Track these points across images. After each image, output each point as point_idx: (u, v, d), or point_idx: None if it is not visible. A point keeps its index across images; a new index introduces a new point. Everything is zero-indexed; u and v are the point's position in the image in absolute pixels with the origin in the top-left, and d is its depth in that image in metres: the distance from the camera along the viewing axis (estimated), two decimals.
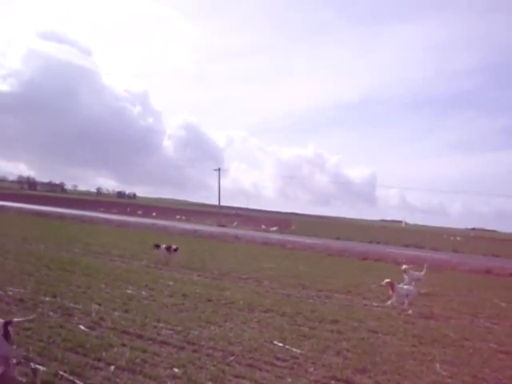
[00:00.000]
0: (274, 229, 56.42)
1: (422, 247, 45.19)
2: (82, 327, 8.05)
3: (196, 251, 22.91)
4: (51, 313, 8.76)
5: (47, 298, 9.68)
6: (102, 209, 72.78)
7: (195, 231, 38.27)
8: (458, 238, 78.49)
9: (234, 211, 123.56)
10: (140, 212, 72.29)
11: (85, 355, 6.71)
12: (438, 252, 40.58)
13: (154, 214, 71.46)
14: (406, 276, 15.39)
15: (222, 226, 55.69)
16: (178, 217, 68.84)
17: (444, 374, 7.37)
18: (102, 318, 8.69)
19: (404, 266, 15.77)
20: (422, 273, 15.93)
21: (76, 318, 8.58)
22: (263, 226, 59.23)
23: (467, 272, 25.02)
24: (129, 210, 75.26)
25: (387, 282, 12.75)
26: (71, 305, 9.44)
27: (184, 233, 36.74)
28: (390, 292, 12.70)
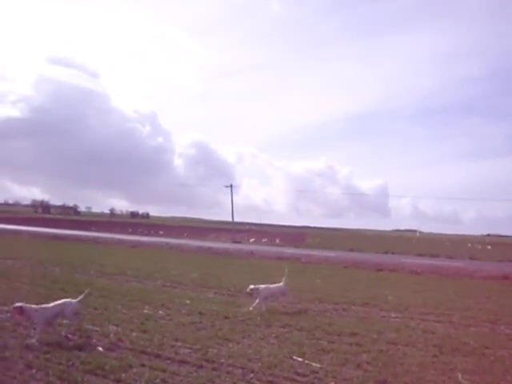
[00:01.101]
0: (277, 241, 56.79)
1: (437, 256, 44.78)
2: (100, 349, 8.07)
3: (211, 268, 22.89)
4: (69, 335, 8.79)
5: (64, 321, 9.69)
6: (115, 230, 73.09)
7: (209, 248, 38.26)
8: (479, 246, 77.10)
9: (247, 226, 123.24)
10: (153, 231, 72.54)
11: (104, 377, 6.73)
12: (454, 260, 40.18)
13: (162, 232, 71.88)
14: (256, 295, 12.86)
15: (237, 242, 55.63)
16: (185, 234, 68.95)
17: (466, 383, 7.28)
18: (120, 339, 8.70)
19: (250, 287, 12.87)
20: (280, 284, 13.43)
21: (94, 340, 8.60)
22: (277, 241, 59.01)
23: (484, 279, 24.69)
24: (142, 230, 75.42)
25: None
26: (89, 327, 9.47)
27: (198, 250, 36.73)
28: None
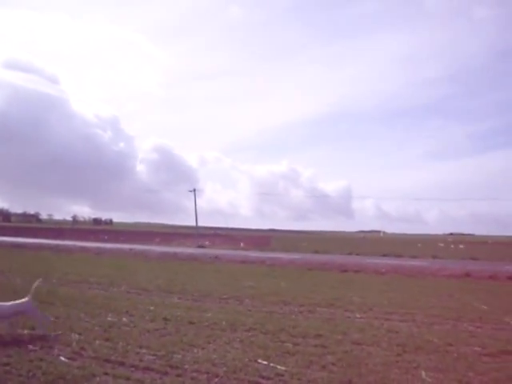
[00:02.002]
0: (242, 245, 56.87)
1: (400, 256, 45.61)
2: (62, 358, 7.91)
3: (176, 274, 22.76)
4: (30, 346, 8.60)
5: (25, 331, 9.48)
6: (78, 237, 71.76)
7: (174, 254, 38.03)
8: (452, 246, 78.28)
9: (212, 231, 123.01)
10: (117, 238, 71.56)
11: None
12: (418, 259, 40.99)
13: (125, 238, 70.99)
14: None
15: (201, 246, 55.43)
16: (150, 240, 68.29)
17: (429, 380, 7.43)
18: (82, 348, 8.56)
19: None
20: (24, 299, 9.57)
21: (56, 350, 8.43)
22: (242, 245, 59.08)
23: (447, 277, 25.33)
24: (106, 237, 74.33)
25: None
26: (51, 336, 9.29)
27: (163, 256, 36.46)
28: None
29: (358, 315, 13.05)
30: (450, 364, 8.37)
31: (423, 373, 7.77)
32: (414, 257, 44.38)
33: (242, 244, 59.93)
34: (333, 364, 8.17)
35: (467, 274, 25.83)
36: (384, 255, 45.55)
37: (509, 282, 23.35)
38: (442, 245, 76.47)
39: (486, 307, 14.78)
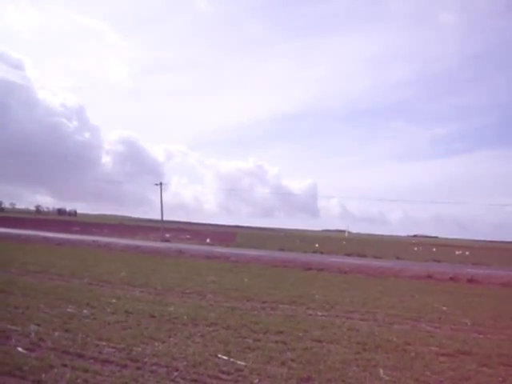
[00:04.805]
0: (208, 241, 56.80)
1: (364, 255, 46.25)
2: (20, 349, 7.82)
3: (139, 267, 22.59)
4: None
5: None
6: (41, 227, 70.33)
7: (138, 247, 37.71)
8: (417, 248, 79.13)
9: (177, 225, 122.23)
10: (80, 229, 70.46)
11: (23, 378, 6.55)
12: (381, 259, 41.62)
13: (89, 229, 69.78)
14: None
15: (166, 240, 55.08)
16: (114, 232, 67.53)
17: (387, 378, 7.59)
18: (41, 339, 8.47)
19: None
20: None
21: (14, 341, 8.31)
22: (208, 240, 58.89)
23: (409, 278, 25.85)
24: (69, 227, 73.08)
25: None
26: (8, 326, 9.15)
27: (126, 249, 36.12)
28: None
29: (319, 313, 13.21)
30: (408, 363, 8.57)
31: (381, 371, 7.94)
32: (377, 257, 45.05)
33: (208, 240, 59.68)
34: (292, 360, 8.28)
35: (429, 276, 26.40)
36: (347, 254, 46.12)
37: (468, 284, 24.05)
38: (416, 249, 77.09)
39: (445, 308, 15.18)
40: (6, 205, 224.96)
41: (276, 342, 9.55)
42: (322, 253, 47.39)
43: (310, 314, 13.02)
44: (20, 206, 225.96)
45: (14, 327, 9.15)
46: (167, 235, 62.02)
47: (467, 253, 62.33)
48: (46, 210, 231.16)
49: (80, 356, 7.71)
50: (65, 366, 7.13)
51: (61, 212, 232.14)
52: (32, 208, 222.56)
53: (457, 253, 61.97)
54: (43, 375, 6.65)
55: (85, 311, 11.22)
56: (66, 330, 9.25)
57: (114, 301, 12.82)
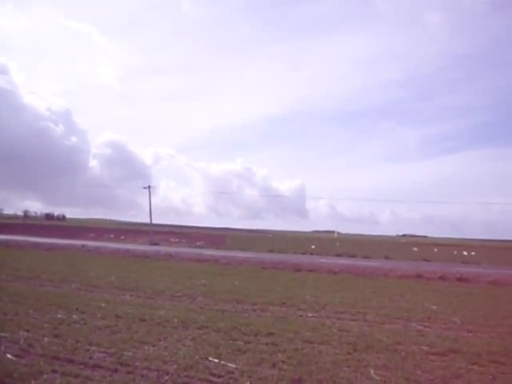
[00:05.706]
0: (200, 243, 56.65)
1: (354, 256, 46.38)
2: (9, 356, 7.78)
3: (129, 271, 22.53)
4: None
5: None
6: (30, 232, 69.76)
7: (127, 250, 37.55)
8: (415, 249, 78.32)
9: (167, 229, 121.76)
10: (69, 234, 69.98)
11: None
12: (370, 259, 41.77)
13: (78, 234, 69.15)
14: None
15: (155, 244, 54.93)
16: (111, 236, 67.22)
17: (378, 378, 7.63)
18: (30, 345, 8.43)
19: None
20: None
21: (3, 347, 8.27)
22: (198, 243, 58.77)
23: (399, 278, 25.95)
24: (57, 232, 72.56)
25: None
26: None
27: (116, 253, 35.95)
28: None
29: (310, 314, 13.24)
30: (399, 362, 8.62)
31: (372, 371, 7.98)
32: (366, 257, 45.19)
33: (198, 243, 59.56)
34: (283, 362, 8.30)
35: (419, 275, 26.53)
36: (337, 255, 46.24)
37: (458, 283, 24.20)
38: (415, 249, 76.50)
39: (435, 307, 15.26)
40: None
41: (266, 343, 9.57)
42: (311, 254, 47.49)
43: (301, 316, 13.04)
44: (8, 211, 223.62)
45: (2, 334, 9.10)
46: (156, 238, 61.85)
47: (473, 253, 61.73)
48: (34, 214, 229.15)
49: (70, 361, 7.68)
50: (55, 371, 7.10)
51: (49, 217, 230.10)
52: (20, 213, 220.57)
53: (464, 253, 61.07)
54: (33, 382, 6.63)
55: (74, 316, 11.18)
56: (56, 336, 9.22)
57: (103, 305, 12.77)
